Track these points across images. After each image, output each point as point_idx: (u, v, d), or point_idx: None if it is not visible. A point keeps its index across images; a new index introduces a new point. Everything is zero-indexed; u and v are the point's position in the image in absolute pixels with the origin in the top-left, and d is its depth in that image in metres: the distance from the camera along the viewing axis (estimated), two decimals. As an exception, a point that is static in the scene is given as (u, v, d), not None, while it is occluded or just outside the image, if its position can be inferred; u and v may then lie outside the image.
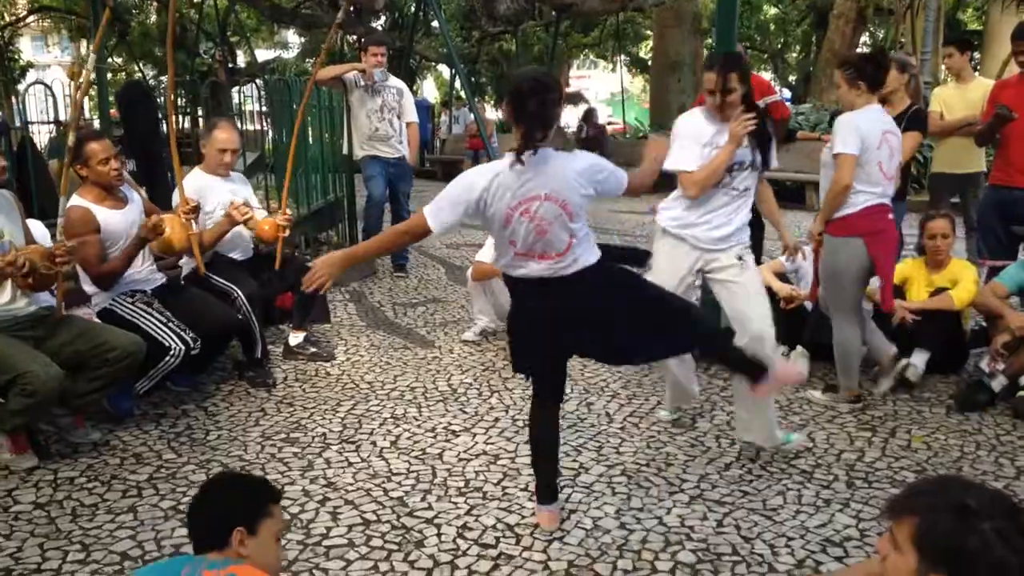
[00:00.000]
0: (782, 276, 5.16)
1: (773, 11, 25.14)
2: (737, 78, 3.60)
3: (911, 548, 1.73)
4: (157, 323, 4.20)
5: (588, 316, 3.03)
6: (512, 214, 2.92)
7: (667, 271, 3.81)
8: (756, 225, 6.76)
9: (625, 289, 3.12)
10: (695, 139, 3.74)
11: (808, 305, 4.96)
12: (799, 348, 4.85)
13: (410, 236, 3.17)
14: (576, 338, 3.09)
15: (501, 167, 2.94)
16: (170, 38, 4.72)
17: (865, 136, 4.07)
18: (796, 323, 4.92)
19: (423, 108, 8.98)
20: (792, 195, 11.70)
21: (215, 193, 4.88)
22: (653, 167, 3.40)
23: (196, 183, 4.83)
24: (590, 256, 3.03)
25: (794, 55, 27.52)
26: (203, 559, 2.09)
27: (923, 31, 13.23)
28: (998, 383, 4.38)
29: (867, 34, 22.54)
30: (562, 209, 2.92)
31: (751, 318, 3.65)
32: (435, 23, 19.43)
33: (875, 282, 4.43)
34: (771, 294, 5.04)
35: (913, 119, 5.72)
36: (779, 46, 27.28)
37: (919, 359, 4.66)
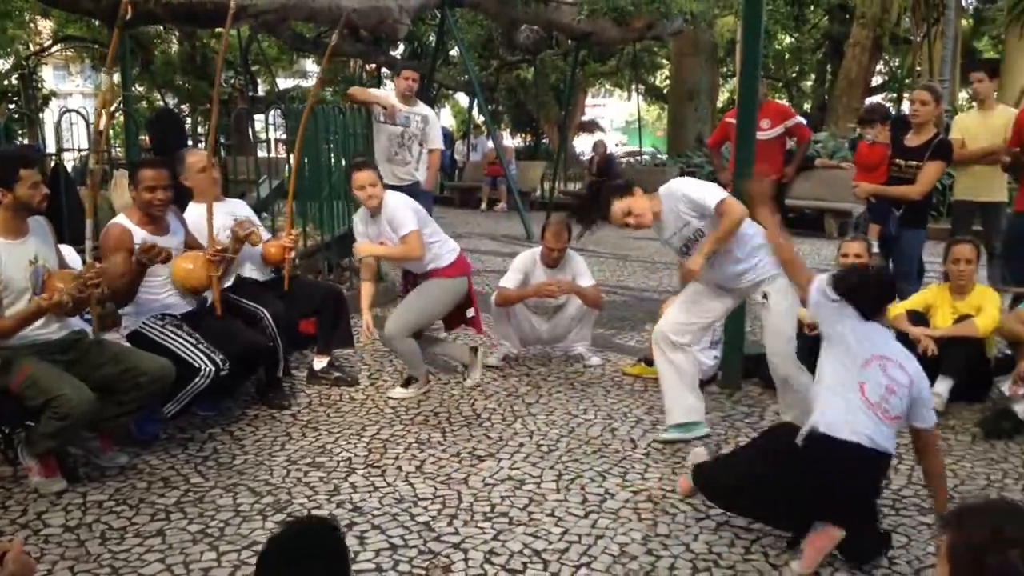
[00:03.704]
0: (805, 303, 5.16)
1: (788, 40, 25.22)
2: None
3: (946, 561, 1.76)
4: (187, 344, 4.23)
5: None
6: None
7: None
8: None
9: None
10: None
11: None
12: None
13: None
14: None
15: None
16: (218, 77, 4.81)
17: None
18: (819, 349, 4.90)
19: (443, 137, 9.07)
20: (811, 223, 11.71)
21: (214, 220, 4.76)
22: None
23: (191, 216, 4.79)
24: None
25: (809, 83, 27.57)
26: None
27: (940, 59, 13.29)
28: (1022, 409, 4.36)
29: (882, 62, 22.60)
30: None
31: None
32: (454, 52, 19.63)
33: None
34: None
35: (938, 148, 5.75)
36: (794, 74, 27.34)
37: (943, 386, 4.64)
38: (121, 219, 4.29)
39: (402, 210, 4.88)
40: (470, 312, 5.26)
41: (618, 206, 4.11)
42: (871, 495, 3.17)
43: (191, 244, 4.57)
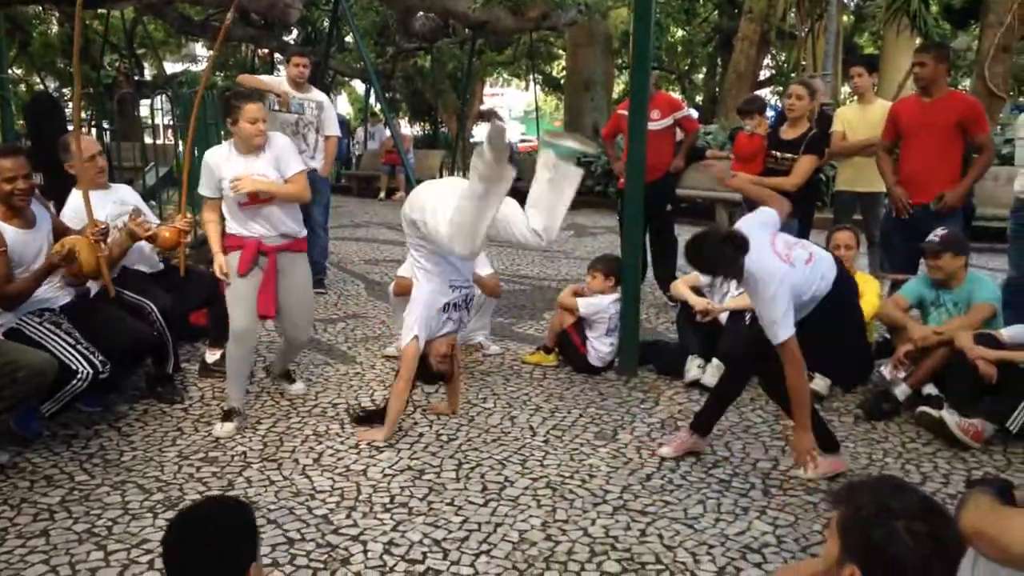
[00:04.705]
0: (698, 290, 5.29)
1: (680, 33, 25.75)
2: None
3: (836, 535, 1.84)
4: (65, 345, 4.04)
5: None
6: None
7: None
8: (669, 241, 7.01)
9: None
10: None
11: (723, 318, 5.09)
12: (714, 360, 4.97)
13: None
14: None
15: None
16: (76, 52, 4.60)
17: None
18: (711, 336, 5.05)
19: (341, 124, 8.92)
20: (702, 212, 11.99)
21: (101, 207, 4.61)
22: None
23: (76, 203, 4.58)
24: None
25: (700, 76, 28.23)
26: None
27: (824, 54, 13.77)
28: (901, 391, 4.57)
29: (770, 56, 23.30)
30: None
31: None
32: (349, 38, 19.35)
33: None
34: (688, 308, 5.18)
35: (812, 142, 5.98)
36: (686, 67, 27.95)
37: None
38: None
39: (291, 148, 4.55)
40: None
41: None
42: None
43: (61, 230, 4.36)
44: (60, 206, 4.83)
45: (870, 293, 4.97)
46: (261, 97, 4.57)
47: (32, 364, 3.70)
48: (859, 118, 6.47)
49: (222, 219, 4.43)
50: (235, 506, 2.14)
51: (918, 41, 12.69)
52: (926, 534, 1.75)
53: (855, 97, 6.84)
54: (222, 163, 4.34)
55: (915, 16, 13.37)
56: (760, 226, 3.69)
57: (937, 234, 4.72)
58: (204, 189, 4.40)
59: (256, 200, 4.31)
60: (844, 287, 3.70)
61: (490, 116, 29.97)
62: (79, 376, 4.00)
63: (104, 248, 4.26)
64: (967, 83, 20.27)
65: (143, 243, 4.74)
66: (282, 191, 4.36)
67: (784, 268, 3.50)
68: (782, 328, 3.44)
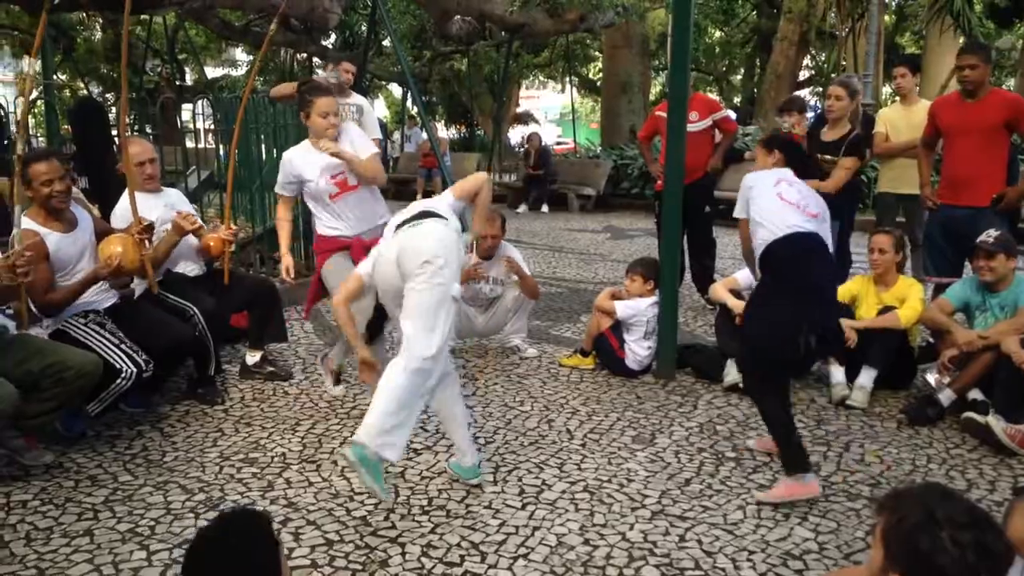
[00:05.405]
0: (737, 293, 5.24)
1: (718, 34, 25.59)
2: None
3: (880, 543, 1.81)
4: (110, 345, 4.11)
5: None
6: None
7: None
8: (707, 243, 6.97)
9: None
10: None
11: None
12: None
13: None
14: None
15: None
16: (124, 57, 4.67)
17: None
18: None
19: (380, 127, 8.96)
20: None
21: (151, 210, 4.69)
22: None
23: (125, 204, 4.65)
24: None
25: (738, 77, 28.03)
26: None
27: (865, 54, 13.60)
28: (946, 397, 4.49)
29: (810, 57, 23.07)
30: None
31: None
32: (387, 42, 19.47)
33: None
34: (726, 311, 5.14)
35: (852, 144, 5.89)
36: (724, 68, 27.78)
37: (867, 376, 4.75)
38: (27, 222, 4.06)
39: (363, 136, 4.72)
40: None
41: None
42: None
43: (104, 231, 4.43)
44: (104, 208, 4.89)
45: (913, 298, 4.89)
46: (331, 91, 4.65)
47: (78, 364, 3.76)
48: (902, 119, 6.38)
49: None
50: (252, 521, 2.11)
51: (961, 40, 12.48)
52: (973, 543, 1.72)
53: (897, 98, 6.74)
54: (299, 161, 4.50)
55: (959, 15, 13.17)
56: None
57: (990, 234, 4.62)
58: (279, 187, 4.63)
59: (345, 188, 4.47)
60: (806, 256, 3.75)
61: (526, 119, 29.91)
62: (123, 375, 4.06)
63: (148, 247, 4.33)
64: (1011, 82, 19.93)
65: (190, 238, 4.80)
66: (360, 165, 4.47)
67: (773, 200, 3.83)
68: (739, 209, 4.00)
